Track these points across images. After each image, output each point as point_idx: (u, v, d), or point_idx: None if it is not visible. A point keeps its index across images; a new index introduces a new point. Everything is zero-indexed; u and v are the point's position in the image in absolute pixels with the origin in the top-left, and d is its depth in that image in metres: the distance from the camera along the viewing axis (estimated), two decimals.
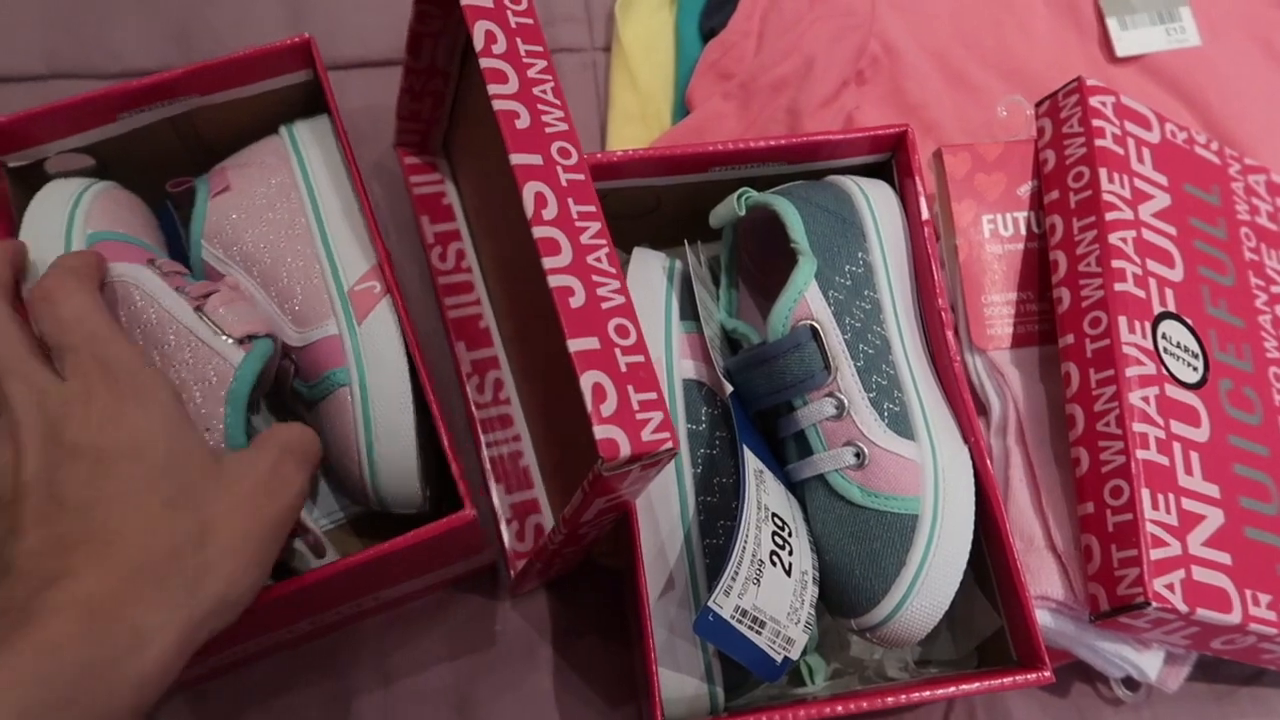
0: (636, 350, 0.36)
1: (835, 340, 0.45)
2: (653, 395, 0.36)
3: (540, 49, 0.42)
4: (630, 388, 0.35)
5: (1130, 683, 0.51)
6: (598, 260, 0.38)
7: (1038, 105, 0.56)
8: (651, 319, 0.48)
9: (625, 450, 0.34)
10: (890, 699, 0.42)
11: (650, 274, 0.49)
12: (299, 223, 0.47)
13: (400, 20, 0.65)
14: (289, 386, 0.46)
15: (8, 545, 0.32)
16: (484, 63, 0.40)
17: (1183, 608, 0.43)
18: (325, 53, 0.63)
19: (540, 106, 0.40)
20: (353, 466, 0.44)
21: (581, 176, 0.39)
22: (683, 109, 0.62)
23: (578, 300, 0.36)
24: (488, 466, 0.52)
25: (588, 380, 0.35)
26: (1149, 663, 0.48)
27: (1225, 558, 0.45)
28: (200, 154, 0.52)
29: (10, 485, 0.32)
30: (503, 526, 0.51)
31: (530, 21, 0.42)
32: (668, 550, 0.44)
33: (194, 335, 0.40)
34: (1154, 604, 0.42)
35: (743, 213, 0.48)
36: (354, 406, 0.43)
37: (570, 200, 0.39)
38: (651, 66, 0.64)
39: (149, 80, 0.47)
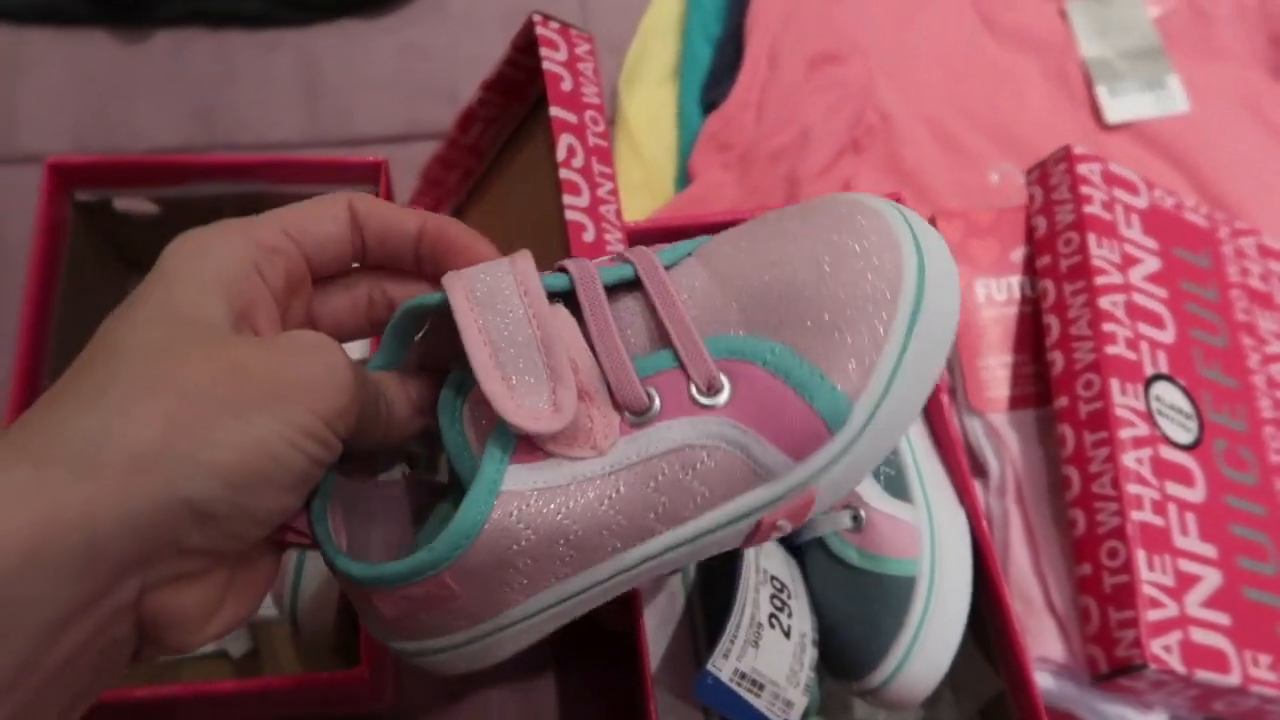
0: None
1: None
2: None
3: (609, 171, 0.45)
4: None
5: None
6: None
7: (1028, 173, 0.58)
8: None
9: None
10: None
11: None
12: None
13: (408, 102, 0.68)
14: None
15: None
16: (563, 174, 0.44)
17: (1181, 669, 0.43)
18: (343, 129, 0.67)
19: (604, 225, 0.44)
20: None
21: None
22: (685, 179, 0.64)
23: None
24: None
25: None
26: None
27: (1224, 618, 0.45)
28: None
29: None
30: None
31: (605, 144, 0.46)
32: (669, 614, 0.45)
33: None
34: (1152, 666, 0.43)
35: None
36: None
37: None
38: (655, 139, 0.66)
39: (222, 159, 0.51)
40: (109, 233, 0.55)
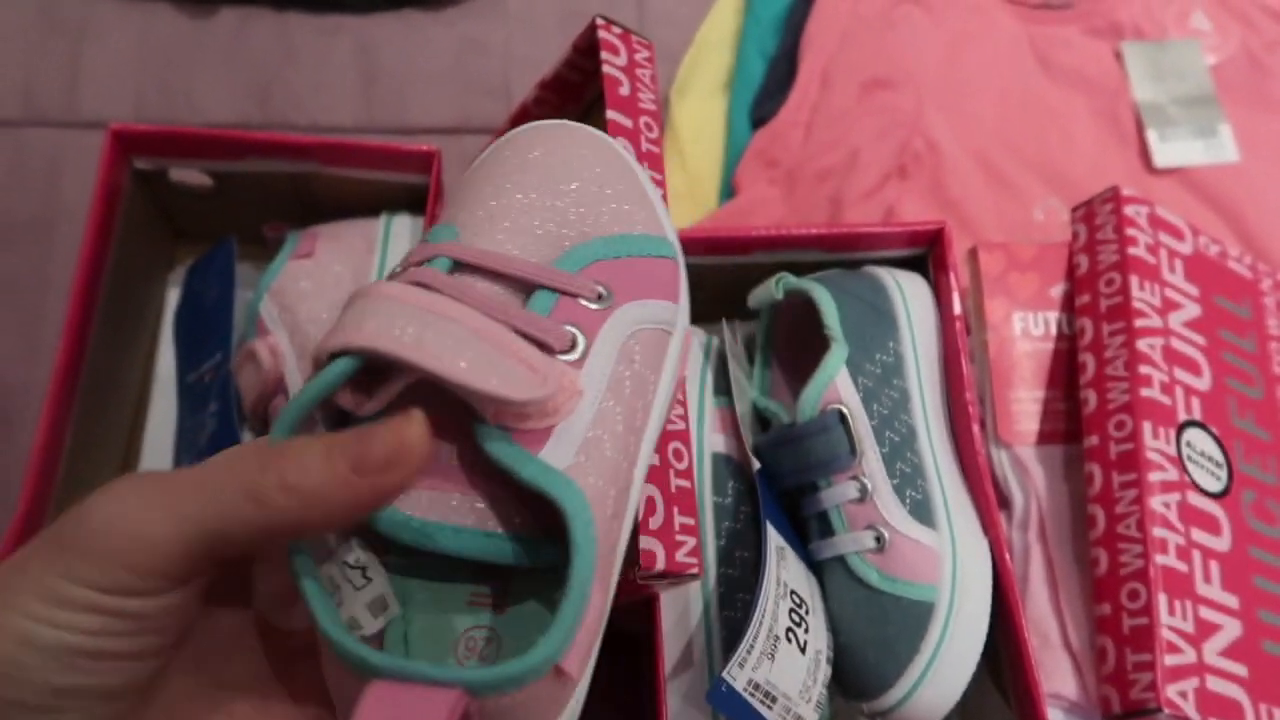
0: (686, 476, 0.39)
1: (862, 425, 0.46)
2: (691, 520, 0.38)
3: (661, 177, 0.45)
4: (676, 509, 0.38)
5: None
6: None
7: (1074, 210, 0.58)
8: (688, 391, 0.49)
9: (660, 564, 0.37)
10: None
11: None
12: None
13: (461, 96, 0.69)
14: None
15: None
16: None
17: (1195, 716, 0.43)
18: (396, 118, 0.67)
19: None
20: None
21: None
22: (729, 191, 0.65)
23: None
24: None
25: (644, 493, 0.37)
26: None
27: (1241, 669, 0.45)
28: (307, 209, 0.55)
29: None
30: None
31: (658, 151, 0.46)
32: (686, 620, 0.45)
33: None
34: (1166, 710, 0.42)
35: (780, 296, 0.50)
36: None
37: None
38: (701, 149, 0.67)
39: (280, 137, 0.51)
40: (163, 201, 0.56)
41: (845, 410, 0.46)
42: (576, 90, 0.52)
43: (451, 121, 0.67)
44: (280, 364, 0.48)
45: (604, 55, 0.47)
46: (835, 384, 0.46)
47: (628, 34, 0.48)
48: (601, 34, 0.47)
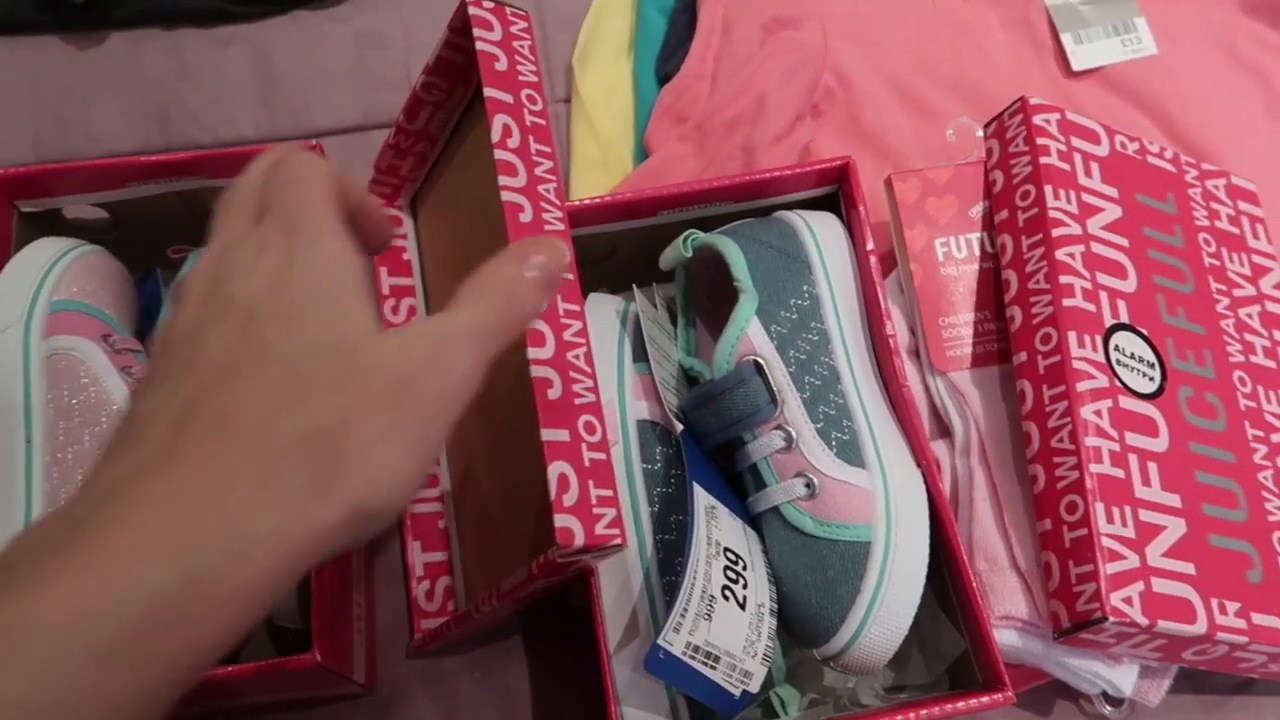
0: (600, 447, 0.39)
1: (780, 374, 0.46)
2: (609, 492, 0.38)
3: (549, 150, 0.44)
4: (591, 482, 0.38)
5: (1115, 699, 0.51)
6: (576, 358, 0.40)
7: (986, 126, 0.57)
8: (605, 361, 0.49)
9: (579, 540, 0.36)
10: None
11: (604, 318, 0.50)
12: None
13: (364, 92, 0.68)
14: None
15: (131, 403, 0.28)
16: (498, 154, 0.43)
17: (1142, 620, 0.42)
18: (299, 122, 0.66)
19: (543, 204, 0.43)
20: None
21: (569, 276, 0.42)
22: (643, 154, 0.64)
23: (555, 392, 0.38)
24: (407, 520, 0.54)
25: (554, 470, 0.37)
26: (1122, 678, 0.47)
27: (1188, 567, 0.45)
28: (208, 227, 0.54)
29: (159, 341, 0.29)
30: (414, 583, 0.53)
31: (544, 123, 0.45)
32: (628, 590, 0.45)
33: None
34: (1112, 618, 0.42)
35: (689, 254, 0.49)
36: None
37: (559, 295, 0.41)
38: (611, 115, 0.65)
39: (158, 158, 0.50)
40: None
41: (760, 360, 0.45)
42: (464, 72, 0.51)
43: (356, 119, 0.66)
44: None
45: (477, 31, 0.46)
46: (748, 335, 0.46)
47: (501, 7, 0.47)
48: (473, 10, 0.46)
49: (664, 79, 0.65)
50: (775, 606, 0.44)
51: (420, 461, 0.28)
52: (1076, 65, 0.67)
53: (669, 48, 0.66)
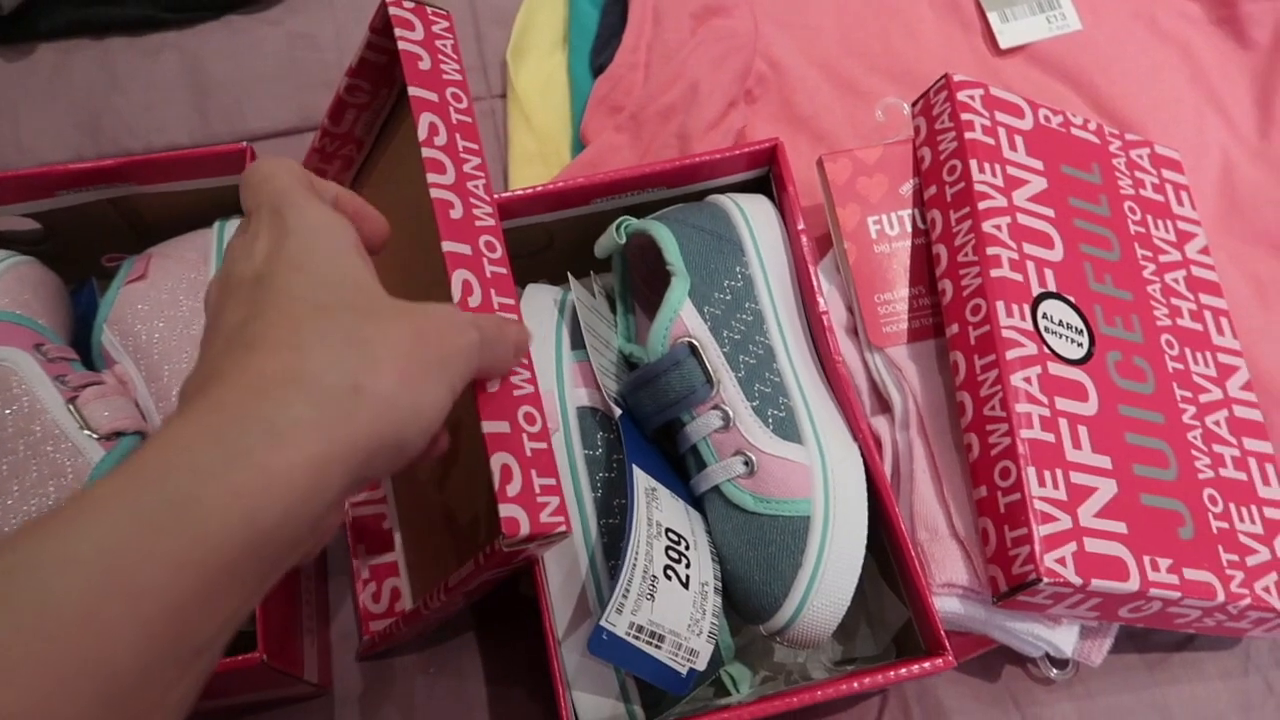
0: (541, 437, 0.39)
1: (714, 354, 0.46)
2: (552, 481, 0.38)
3: (476, 146, 0.45)
4: (533, 471, 0.38)
5: (1059, 661, 0.52)
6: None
7: (913, 105, 0.57)
8: (543, 351, 0.49)
9: (525, 529, 0.36)
10: (797, 699, 0.43)
11: (541, 308, 0.51)
12: (196, 324, 0.48)
13: (298, 94, 0.67)
14: None
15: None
16: (426, 152, 0.43)
17: (1076, 580, 0.43)
18: (233, 127, 0.66)
19: (472, 200, 0.43)
20: None
21: (504, 270, 0.42)
22: (580, 146, 0.64)
23: (492, 386, 0.38)
24: (348, 523, 0.54)
25: (497, 461, 0.37)
26: (1063, 639, 0.48)
27: (1120, 527, 0.46)
28: (141, 233, 0.54)
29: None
30: (359, 587, 0.53)
31: (470, 120, 0.45)
32: (574, 575, 0.45)
33: (59, 428, 0.42)
34: (1046, 579, 0.43)
35: (623, 240, 0.50)
36: None
37: (493, 290, 0.41)
38: (548, 108, 0.66)
39: (86, 166, 0.50)
40: None
41: (695, 341, 0.46)
42: (386, 73, 0.51)
43: (291, 122, 0.66)
44: (130, 390, 0.47)
45: (399, 32, 0.46)
46: (681, 317, 0.46)
47: (421, 7, 0.48)
48: (393, 10, 0.46)
49: (598, 70, 0.65)
50: (720, 585, 0.45)
51: (440, 396, 0.31)
52: (1004, 43, 0.68)
53: (602, 39, 0.66)
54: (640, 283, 0.54)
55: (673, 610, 0.42)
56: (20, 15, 0.67)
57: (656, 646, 0.41)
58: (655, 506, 0.44)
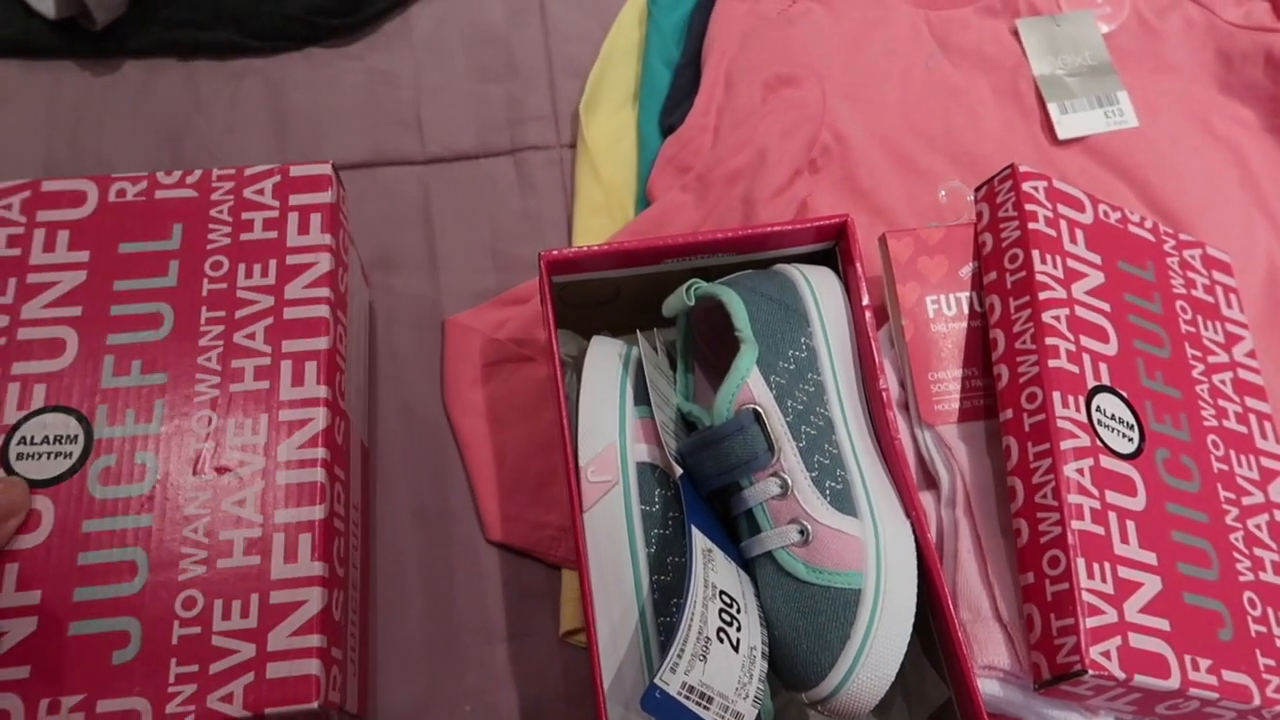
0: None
1: (778, 423, 0.47)
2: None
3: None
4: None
5: None
6: None
7: (976, 190, 0.59)
8: (607, 404, 0.50)
9: None
10: None
11: (607, 361, 0.52)
12: None
13: (374, 130, 0.69)
14: None
15: None
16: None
17: (1120, 674, 0.44)
18: (308, 156, 0.68)
19: None
20: None
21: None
22: (645, 202, 0.65)
23: None
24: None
25: None
26: None
27: (1163, 624, 0.47)
28: None
29: None
30: None
31: None
32: (624, 629, 0.46)
33: None
34: (1091, 671, 0.44)
35: (692, 303, 0.51)
36: None
37: None
38: (615, 162, 0.67)
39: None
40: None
41: (760, 409, 0.47)
42: None
43: (364, 155, 0.68)
44: None
45: None
46: (748, 384, 0.47)
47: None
48: None
49: (667, 130, 0.67)
50: (766, 649, 0.46)
51: None
52: (1062, 134, 0.70)
53: (673, 100, 0.68)
54: (702, 343, 0.55)
55: (723, 673, 0.43)
56: (111, 32, 0.69)
57: (705, 707, 0.42)
58: (711, 568, 0.44)
